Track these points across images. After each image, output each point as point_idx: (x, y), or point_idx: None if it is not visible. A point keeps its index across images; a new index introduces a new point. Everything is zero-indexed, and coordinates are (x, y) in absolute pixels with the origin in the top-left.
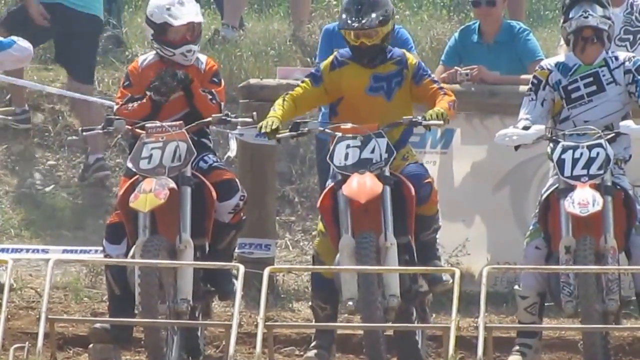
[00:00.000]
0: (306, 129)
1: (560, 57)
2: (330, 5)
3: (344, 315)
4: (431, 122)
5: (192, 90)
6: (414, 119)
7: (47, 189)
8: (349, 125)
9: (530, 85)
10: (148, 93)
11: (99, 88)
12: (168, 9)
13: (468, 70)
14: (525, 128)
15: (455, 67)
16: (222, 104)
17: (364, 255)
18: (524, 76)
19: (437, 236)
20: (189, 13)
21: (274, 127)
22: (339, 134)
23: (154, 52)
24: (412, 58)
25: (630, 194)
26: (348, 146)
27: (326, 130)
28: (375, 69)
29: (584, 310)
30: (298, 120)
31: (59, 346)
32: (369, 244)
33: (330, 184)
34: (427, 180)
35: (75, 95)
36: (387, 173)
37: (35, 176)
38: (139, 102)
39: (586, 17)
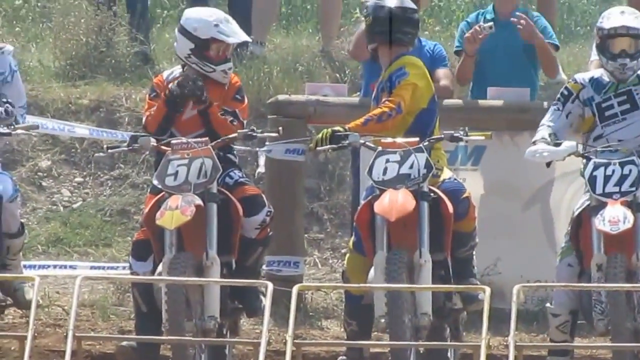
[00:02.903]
0: (346, 142)
1: (595, 73)
2: (359, 21)
3: (375, 332)
4: (472, 137)
5: (209, 113)
6: (455, 134)
7: (75, 206)
8: (389, 140)
9: (559, 95)
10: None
11: (127, 104)
12: (216, 26)
13: (491, 23)
14: (557, 144)
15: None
16: (245, 121)
17: (393, 271)
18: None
19: (474, 253)
20: (239, 32)
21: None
22: (380, 148)
23: (179, 66)
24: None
25: None
26: (387, 161)
27: (367, 143)
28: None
29: (614, 328)
30: (339, 134)
31: None
32: (399, 261)
33: (368, 198)
34: (464, 196)
35: (100, 136)
36: (425, 189)
37: (63, 193)
38: (155, 106)
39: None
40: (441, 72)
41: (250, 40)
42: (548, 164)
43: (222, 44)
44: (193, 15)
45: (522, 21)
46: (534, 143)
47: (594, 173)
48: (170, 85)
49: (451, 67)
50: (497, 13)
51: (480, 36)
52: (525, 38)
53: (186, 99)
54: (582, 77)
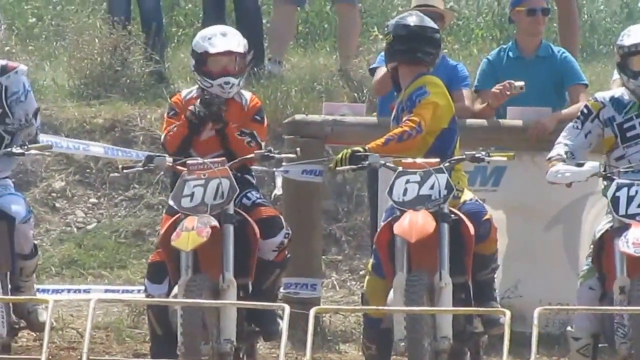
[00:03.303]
0: (366, 162)
1: (615, 92)
2: (377, 40)
3: (394, 356)
4: (494, 157)
5: (226, 133)
6: (477, 154)
7: (89, 227)
8: (409, 160)
9: (579, 114)
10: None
11: (141, 124)
12: (209, 39)
13: (522, 82)
14: (579, 165)
15: (507, 81)
16: (263, 143)
17: (413, 294)
18: (579, 105)
19: (495, 276)
20: (229, 43)
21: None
22: (400, 169)
23: (197, 86)
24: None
25: None
26: (408, 181)
27: (387, 164)
28: None
29: (637, 352)
30: (359, 154)
31: None
32: (419, 284)
33: (388, 219)
34: (486, 218)
35: (115, 155)
36: (446, 210)
37: (77, 214)
38: (176, 124)
39: None
40: (462, 92)
41: (242, 52)
42: (569, 184)
43: (220, 58)
44: (199, 33)
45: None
46: (549, 160)
47: (617, 194)
48: (192, 107)
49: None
50: (520, 50)
51: (508, 93)
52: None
53: (208, 119)
54: (603, 96)
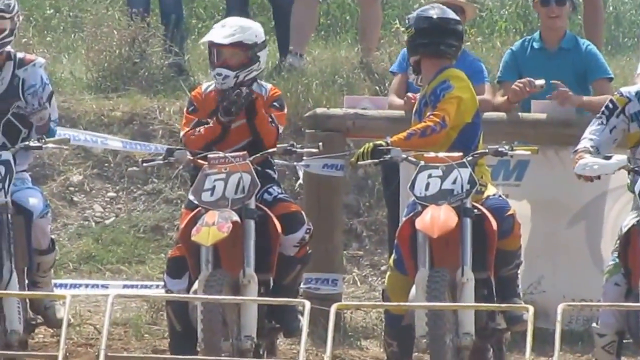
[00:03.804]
0: (388, 156)
1: None
2: (399, 32)
3: (416, 353)
4: (518, 151)
5: (256, 108)
6: (500, 149)
7: (107, 222)
8: (432, 154)
9: (604, 109)
10: (215, 117)
11: (160, 117)
12: (213, 29)
13: (543, 81)
14: (607, 158)
15: (528, 79)
16: (281, 128)
17: (434, 290)
18: (603, 97)
19: (519, 272)
20: (221, 35)
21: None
22: (422, 163)
23: None
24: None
25: None
26: (430, 176)
27: (409, 158)
28: None
29: None
30: (381, 148)
31: None
32: (441, 279)
33: (409, 214)
34: (509, 213)
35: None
36: (469, 205)
37: (95, 208)
38: (205, 126)
39: None
40: (481, 87)
41: (226, 43)
42: (597, 177)
43: (218, 49)
44: None
45: (555, 94)
46: (575, 152)
47: None
48: (219, 117)
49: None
50: (544, 41)
51: (528, 90)
52: (562, 105)
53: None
54: (629, 90)
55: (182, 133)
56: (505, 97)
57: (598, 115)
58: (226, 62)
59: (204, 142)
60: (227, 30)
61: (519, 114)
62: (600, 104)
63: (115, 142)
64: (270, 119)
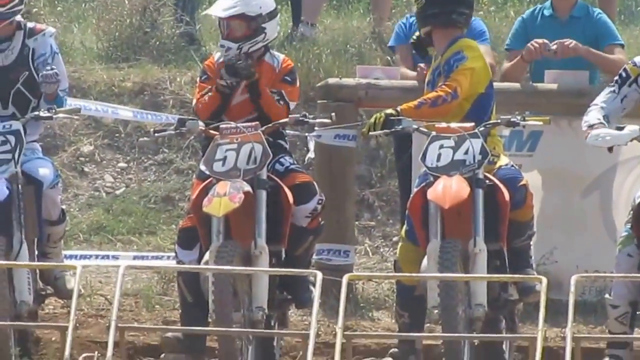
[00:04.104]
0: (400, 126)
1: None
2: (411, 2)
3: (428, 324)
4: (530, 122)
5: (259, 88)
6: (512, 119)
7: (118, 192)
8: (444, 124)
9: (617, 77)
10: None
11: (171, 87)
12: (218, 0)
13: (555, 47)
14: (619, 128)
15: (544, 40)
16: (293, 104)
17: (446, 261)
18: (612, 56)
19: (532, 243)
20: (222, 7)
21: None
22: (433, 133)
23: None
24: None
25: None
26: (441, 146)
27: (420, 128)
28: None
29: None
30: (392, 118)
31: (129, 356)
32: (453, 250)
33: (421, 184)
34: (522, 184)
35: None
36: (481, 176)
37: (106, 179)
38: (209, 94)
39: None
40: (481, 48)
41: (224, 16)
42: (610, 149)
43: (221, 21)
44: None
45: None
46: (586, 122)
47: None
48: (221, 79)
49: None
50: (555, 9)
51: (542, 52)
52: (566, 56)
53: (240, 82)
54: None
55: (194, 102)
56: (517, 58)
57: (610, 84)
58: (230, 34)
59: (208, 111)
60: (228, 2)
61: (532, 84)
62: (608, 60)
63: (126, 112)
64: (278, 97)
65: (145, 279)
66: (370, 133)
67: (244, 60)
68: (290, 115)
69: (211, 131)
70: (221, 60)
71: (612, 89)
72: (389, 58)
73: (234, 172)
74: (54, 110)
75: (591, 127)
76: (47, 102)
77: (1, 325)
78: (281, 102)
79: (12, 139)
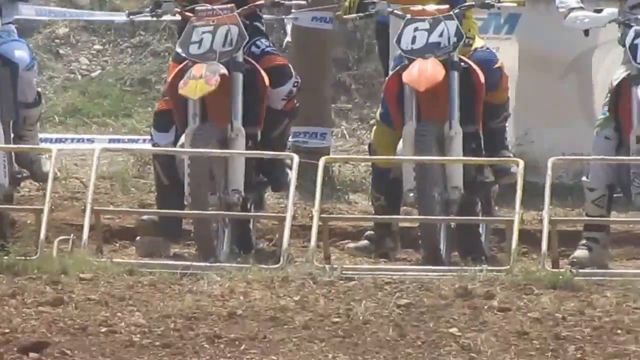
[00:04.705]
0: (374, 10)
1: None
2: None
3: (404, 207)
4: (504, 3)
5: None
6: (487, 1)
7: (93, 75)
8: (419, 7)
9: None
10: None
11: None
12: None
13: None
14: (597, 11)
15: None
16: None
17: (422, 143)
18: None
19: (507, 125)
20: None
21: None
22: (408, 16)
23: None
24: None
25: None
26: (416, 29)
27: (395, 11)
28: None
29: None
30: (366, 1)
31: (105, 239)
32: (428, 133)
33: (396, 67)
34: (496, 66)
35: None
36: (456, 58)
37: (81, 61)
38: None
39: None
40: None
41: None
42: (587, 32)
43: None
44: None
45: None
46: (563, 4)
47: (636, 41)
48: None
49: None
50: None
51: None
52: None
53: None
54: None
55: None
56: None
57: None
58: None
59: None
60: None
61: None
62: None
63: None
64: None
65: (121, 162)
66: (345, 16)
67: None
68: None
69: (187, 13)
70: None
71: None
72: None
73: (210, 54)
74: None
75: (570, 10)
76: None
77: None
78: None
79: None
